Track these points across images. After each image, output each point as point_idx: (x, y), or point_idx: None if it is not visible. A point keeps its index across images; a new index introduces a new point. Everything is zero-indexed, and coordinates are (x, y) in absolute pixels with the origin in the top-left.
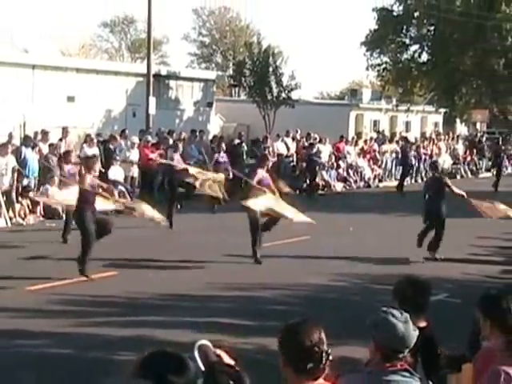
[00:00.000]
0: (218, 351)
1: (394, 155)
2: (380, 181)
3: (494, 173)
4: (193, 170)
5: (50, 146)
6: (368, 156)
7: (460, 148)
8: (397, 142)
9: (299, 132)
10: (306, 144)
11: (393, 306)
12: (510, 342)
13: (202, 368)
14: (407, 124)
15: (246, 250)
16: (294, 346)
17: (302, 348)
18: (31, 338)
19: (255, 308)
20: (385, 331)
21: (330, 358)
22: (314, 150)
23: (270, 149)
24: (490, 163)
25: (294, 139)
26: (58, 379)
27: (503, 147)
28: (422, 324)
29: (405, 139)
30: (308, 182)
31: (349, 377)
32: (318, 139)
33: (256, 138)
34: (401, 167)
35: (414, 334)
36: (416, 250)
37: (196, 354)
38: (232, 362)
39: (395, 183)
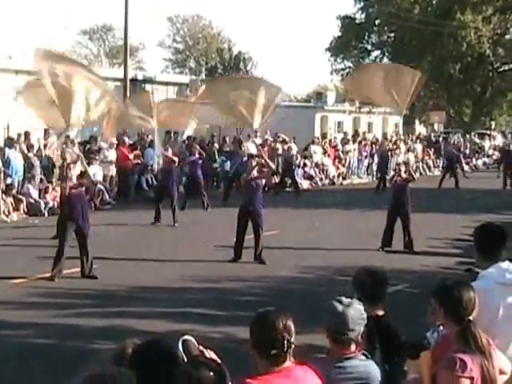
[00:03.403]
0: (201, 347)
1: (356, 154)
2: (344, 178)
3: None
4: None
5: (29, 146)
6: (333, 155)
7: (419, 148)
8: (359, 143)
9: (268, 133)
10: (285, 145)
11: (352, 295)
12: (462, 330)
13: (185, 359)
14: (369, 125)
15: (222, 243)
16: (261, 333)
17: (267, 335)
18: (14, 328)
19: (226, 299)
20: (328, 314)
21: (293, 346)
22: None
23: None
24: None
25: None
26: (38, 367)
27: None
28: (380, 313)
29: (381, 144)
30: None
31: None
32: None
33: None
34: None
35: (357, 318)
36: (377, 242)
37: (180, 346)
38: (215, 358)
39: (358, 181)
